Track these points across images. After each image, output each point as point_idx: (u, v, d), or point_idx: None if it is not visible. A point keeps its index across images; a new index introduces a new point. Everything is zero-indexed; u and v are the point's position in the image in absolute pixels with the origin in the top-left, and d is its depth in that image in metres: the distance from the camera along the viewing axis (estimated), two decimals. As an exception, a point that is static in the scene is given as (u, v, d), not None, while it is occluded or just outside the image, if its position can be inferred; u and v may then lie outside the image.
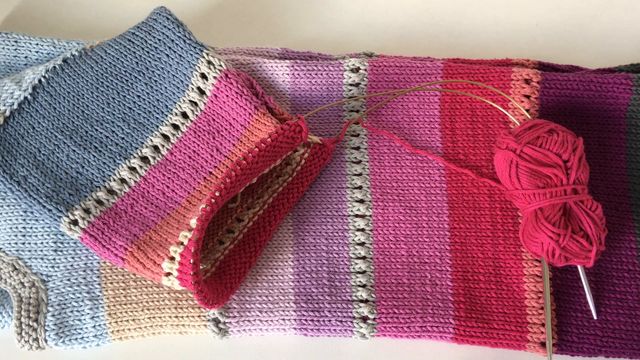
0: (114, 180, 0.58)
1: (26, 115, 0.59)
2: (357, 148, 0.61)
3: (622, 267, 0.57)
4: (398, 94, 0.62)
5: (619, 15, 0.69)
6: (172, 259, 0.53)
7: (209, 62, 0.59)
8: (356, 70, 0.63)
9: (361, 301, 0.57)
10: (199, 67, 0.59)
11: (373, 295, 0.57)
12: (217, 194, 0.51)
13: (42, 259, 0.59)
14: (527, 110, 0.60)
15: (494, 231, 0.58)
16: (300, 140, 0.57)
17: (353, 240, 0.59)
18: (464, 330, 0.56)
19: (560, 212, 0.53)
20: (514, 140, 0.55)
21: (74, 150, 0.59)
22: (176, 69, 0.60)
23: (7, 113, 0.59)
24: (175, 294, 0.58)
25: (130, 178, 0.58)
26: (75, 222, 0.56)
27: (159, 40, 0.61)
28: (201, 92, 0.60)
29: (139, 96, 0.60)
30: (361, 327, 0.56)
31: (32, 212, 0.59)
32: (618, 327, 0.55)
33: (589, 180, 0.55)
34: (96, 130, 0.59)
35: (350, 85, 0.63)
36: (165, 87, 0.60)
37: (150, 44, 0.61)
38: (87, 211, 0.56)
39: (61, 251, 0.59)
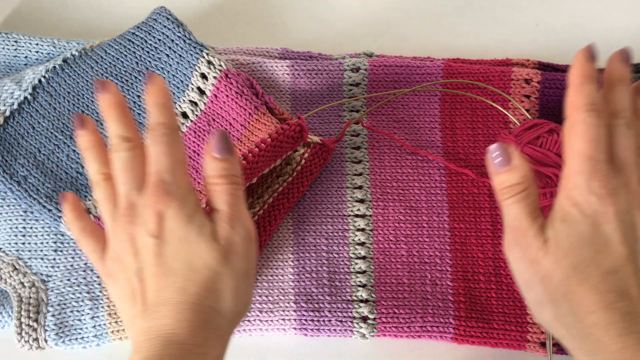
0: (114, 180, 0.58)
1: (26, 115, 0.59)
2: (358, 148, 0.61)
3: (622, 267, 0.57)
4: (398, 94, 0.62)
5: (619, 15, 0.69)
6: (172, 259, 0.52)
7: (209, 62, 0.59)
8: (356, 70, 0.63)
9: (361, 301, 0.57)
10: (199, 67, 0.59)
11: (373, 295, 0.57)
12: (217, 194, 0.51)
13: (42, 259, 0.59)
14: (527, 110, 0.60)
15: (494, 231, 0.58)
16: (301, 140, 0.57)
17: (353, 240, 0.59)
18: (464, 330, 0.56)
19: (561, 212, 0.53)
20: (514, 140, 0.55)
21: (74, 150, 0.59)
22: (176, 68, 0.60)
23: (7, 113, 0.59)
24: (175, 294, 0.58)
25: (130, 178, 0.58)
26: (75, 222, 0.56)
27: (159, 40, 0.61)
28: (201, 92, 0.60)
29: (139, 96, 0.60)
30: (361, 327, 0.56)
31: (32, 212, 0.59)
32: (618, 327, 0.55)
33: (589, 180, 0.55)
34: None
35: (351, 85, 0.63)
36: (165, 87, 0.60)
37: (150, 44, 0.61)
38: (87, 211, 0.56)
39: (61, 251, 0.59)
